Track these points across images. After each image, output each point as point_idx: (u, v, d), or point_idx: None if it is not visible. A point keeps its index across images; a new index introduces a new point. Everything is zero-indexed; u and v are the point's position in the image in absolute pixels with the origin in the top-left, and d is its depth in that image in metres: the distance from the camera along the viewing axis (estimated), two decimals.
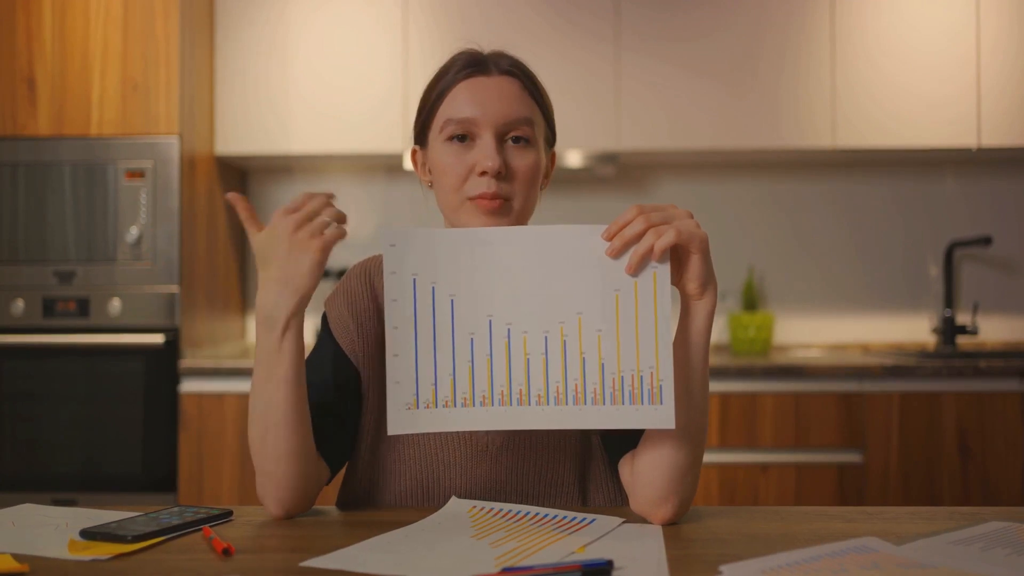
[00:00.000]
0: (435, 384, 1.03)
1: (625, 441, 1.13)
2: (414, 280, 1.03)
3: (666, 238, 0.98)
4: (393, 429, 1.03)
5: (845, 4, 2.98)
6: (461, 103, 1.17)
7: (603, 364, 1.01)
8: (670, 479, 1.05)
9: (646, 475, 1.06)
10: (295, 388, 1.06)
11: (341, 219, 1.04)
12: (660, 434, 1.05)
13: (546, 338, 1.02)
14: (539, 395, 1.02)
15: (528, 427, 1.02)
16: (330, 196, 1.04)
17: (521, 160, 1.17)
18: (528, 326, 1.02)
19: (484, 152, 1.15)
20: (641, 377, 1.00)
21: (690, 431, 1.05)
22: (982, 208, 3.30)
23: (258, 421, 1.07)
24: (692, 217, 1.02)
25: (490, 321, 1.03)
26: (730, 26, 3.00)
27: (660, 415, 1.00)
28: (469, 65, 1.19)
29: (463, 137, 1.17)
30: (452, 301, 1.03)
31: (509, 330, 1.03)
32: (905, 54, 2.98)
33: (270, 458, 1.07)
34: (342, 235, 1.03)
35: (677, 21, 3.00)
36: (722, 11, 3.00)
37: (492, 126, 1.16)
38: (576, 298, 1.02)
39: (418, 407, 1.03)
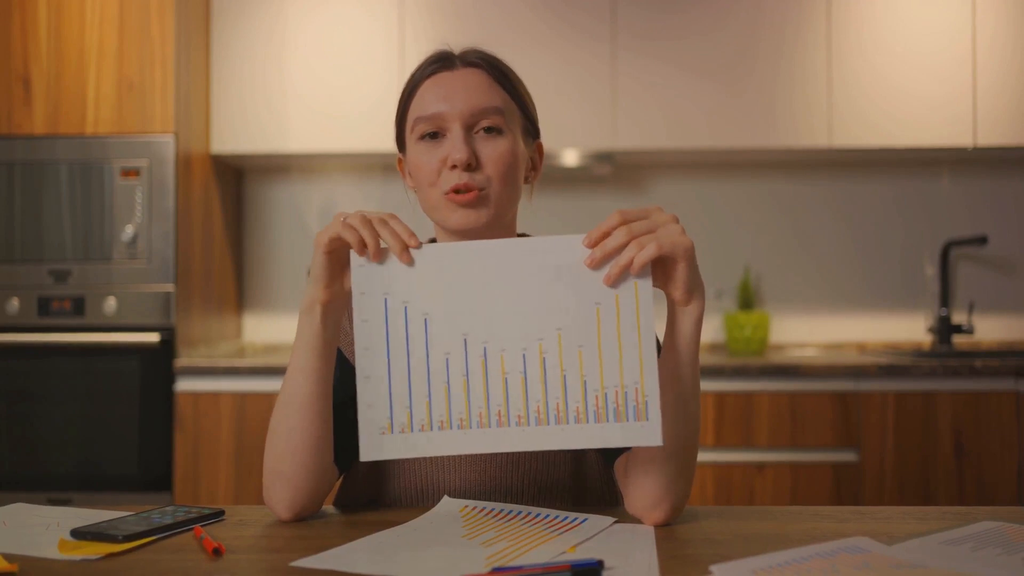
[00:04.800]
0: (410, 407, 0.99)
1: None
2: (385, 300, 1.00)
3: (647, 252, 0.95)
4: (366, 455, 0.99)
5: (842, 3, 2.99)
6: (427, 100, 1.17)
7: (585, 381, 0.97)
8: (661, 485, 1.04)
9: (638, 480, 1.05)
10: (313, 379, 1.06)
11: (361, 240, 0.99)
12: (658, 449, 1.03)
13: (524, 356, 0.98)
14: (519, 415, 0.98)
15: (509, 449, 0.99)
16: (380, 216, 1.00)
17: (492, 149, 1.15)
18: (505, 344, 0.98)
19: (453, 144, 1.15)
20: (625, 393, 0.97)
21: (681, 438, 1.04)
22: (978, 207, 3.30)
23: (281, 412, 1.08)
24: (677, 222, 0.97)
25: (465, 340, 0.99)
26: (726, 25, 3.00)
27: (646, 432, 0.96)
28: (434, 62, 1.19)
29: (434, 134, 1.17)
30: (426, 321, 0.99)
31: (485, 348, 0.99)
32: (901, 54, 2.98)
33: (289, 452, 1.06)
34: (348, 233, 0.98)
35: (673, 21, 3.00)
36: (718, 10, 3.00)
37: (459, 118, 1.15)
38: (555, 313, 0.98)
39: (392, 431, 0.99)
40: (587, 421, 0.97)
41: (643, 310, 0.97)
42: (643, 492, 1.04)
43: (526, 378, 0.98)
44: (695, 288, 1.00)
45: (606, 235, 0.97)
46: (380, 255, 0.99)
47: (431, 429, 0.99)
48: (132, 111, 2.77)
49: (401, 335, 0.99)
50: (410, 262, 0.99)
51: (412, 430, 0.99)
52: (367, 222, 0.99)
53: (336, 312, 1.06)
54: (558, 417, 0.98)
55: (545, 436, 0.98)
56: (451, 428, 0.99)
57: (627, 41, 3.00)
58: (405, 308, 1.00)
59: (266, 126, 3.01)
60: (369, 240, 0.98)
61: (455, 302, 0.99)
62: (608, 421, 0.97)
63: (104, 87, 2.77)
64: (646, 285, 0.97)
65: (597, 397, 0.97)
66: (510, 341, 0.98)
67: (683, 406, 1.03)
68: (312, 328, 1.04)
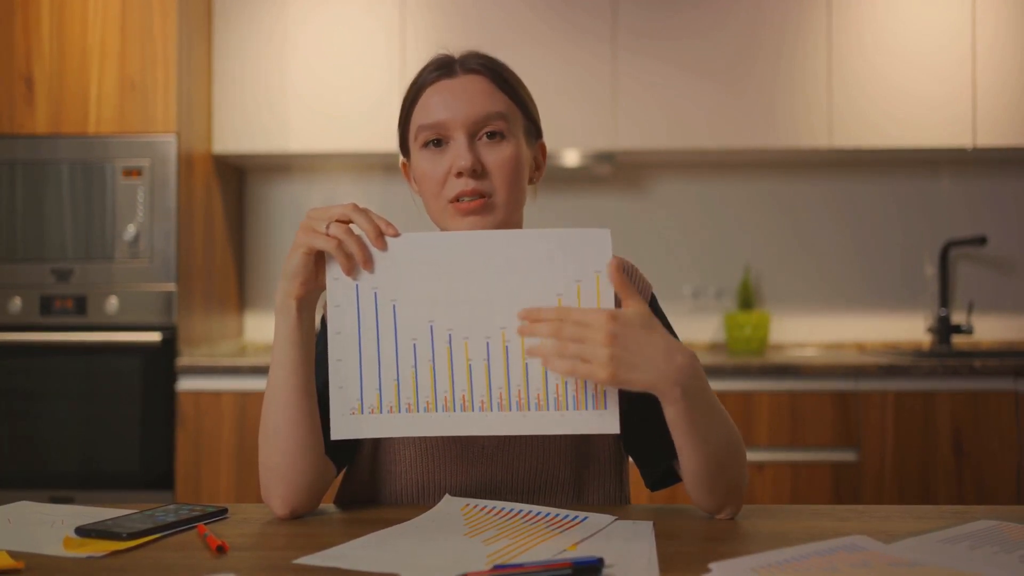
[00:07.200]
0: (379, 390, 1.04)
1: (654, 463, 1.15)
2: (356, 286, 1.04)
3: (552, 365, 0.97)
4: (336, 434, 1.05)
5: (842, 4, 2.99)
6: (430, 108, 1.18)
7: (546, 370, 1.00)
8: (723, 494, 1.06)
9: (701, 495, 1.07)
10: (295, 373, 1.08)
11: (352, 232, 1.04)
12: (694, 482, 1.05)
13: (488, 344, 1.02)
14: (482, 401, 1.02)
15: (473, 433, 1.03)
16: (355, 207, 1.04)
17: (497, 155, 1.16)
18: (469, 332, 1.02)
19: (458, 152, 1.16)
20: (585, 382, 0.99)
21: (723, 454, 1.04)
22: (977, 208, 3.31)
23: (268, 409, 1.10)
24: (612, 363, 0.94)
25: (431, 327, 1.03)
26: (727, 25, 3.00)
27: (605, 420, 0.99)
28: (436, 69, 1.20)
29: (438, 142, 1.18)
30: (394, 307, 1.03)
31: (450, 336, 1.02)
32: (901, 54, 2.98)
33: (278, 450, 1.08)
34: (332, 245, 1.03)
35: (674, 20, 3.01)
36: (719, 10, 3.00)
37: (463, 126, 1.16)
38: (518, 303, 1.01)
39: (362, 412, 1.04)
40: (548, 408, 1.01)
41: (604, 300, 1.00)
42: (708, 505, 1.08)
43: (489, 365, 1.02)
44: (653, 386, 0.97)
45: (537, 322, 0.98)
46: (357, 273, 1.04)
47: (399, 411, 1.04)
48: (134, 111, 2.78)
49: (371, 320, 1.04)
50: (383, 248, 1.04)
51: (381, 411, 1.04)
52: (349, 233, 1.03)
53: (311, 304, 1.09)
54: (519, 404, 1.01)
55: (507, 422, 1.02)
56: (418, 411, 1.03)
57: (627, 41, 3.00)
58: (375, 294, 1.04)
59: (267, 126, 3.02)
60: (358, 256, 1.03)
61: (422, 290, 1.03)
62: (568, 409, 1.00)
63: (106, 87, 2.78)
64: (607, 276, 1.00)
65: (557, 386, 1.00)
66: (474, 329, 1.02)
67: (708, 442, 1.02)
68: (289, 323, 1.08)
